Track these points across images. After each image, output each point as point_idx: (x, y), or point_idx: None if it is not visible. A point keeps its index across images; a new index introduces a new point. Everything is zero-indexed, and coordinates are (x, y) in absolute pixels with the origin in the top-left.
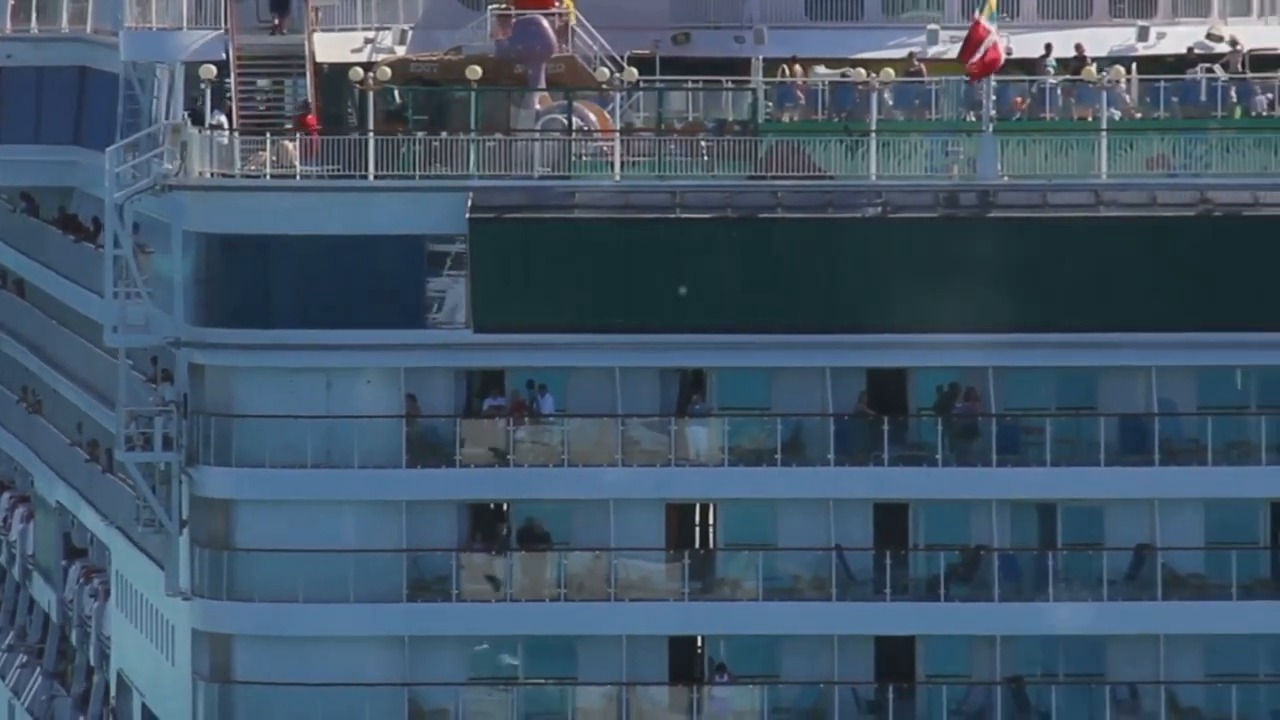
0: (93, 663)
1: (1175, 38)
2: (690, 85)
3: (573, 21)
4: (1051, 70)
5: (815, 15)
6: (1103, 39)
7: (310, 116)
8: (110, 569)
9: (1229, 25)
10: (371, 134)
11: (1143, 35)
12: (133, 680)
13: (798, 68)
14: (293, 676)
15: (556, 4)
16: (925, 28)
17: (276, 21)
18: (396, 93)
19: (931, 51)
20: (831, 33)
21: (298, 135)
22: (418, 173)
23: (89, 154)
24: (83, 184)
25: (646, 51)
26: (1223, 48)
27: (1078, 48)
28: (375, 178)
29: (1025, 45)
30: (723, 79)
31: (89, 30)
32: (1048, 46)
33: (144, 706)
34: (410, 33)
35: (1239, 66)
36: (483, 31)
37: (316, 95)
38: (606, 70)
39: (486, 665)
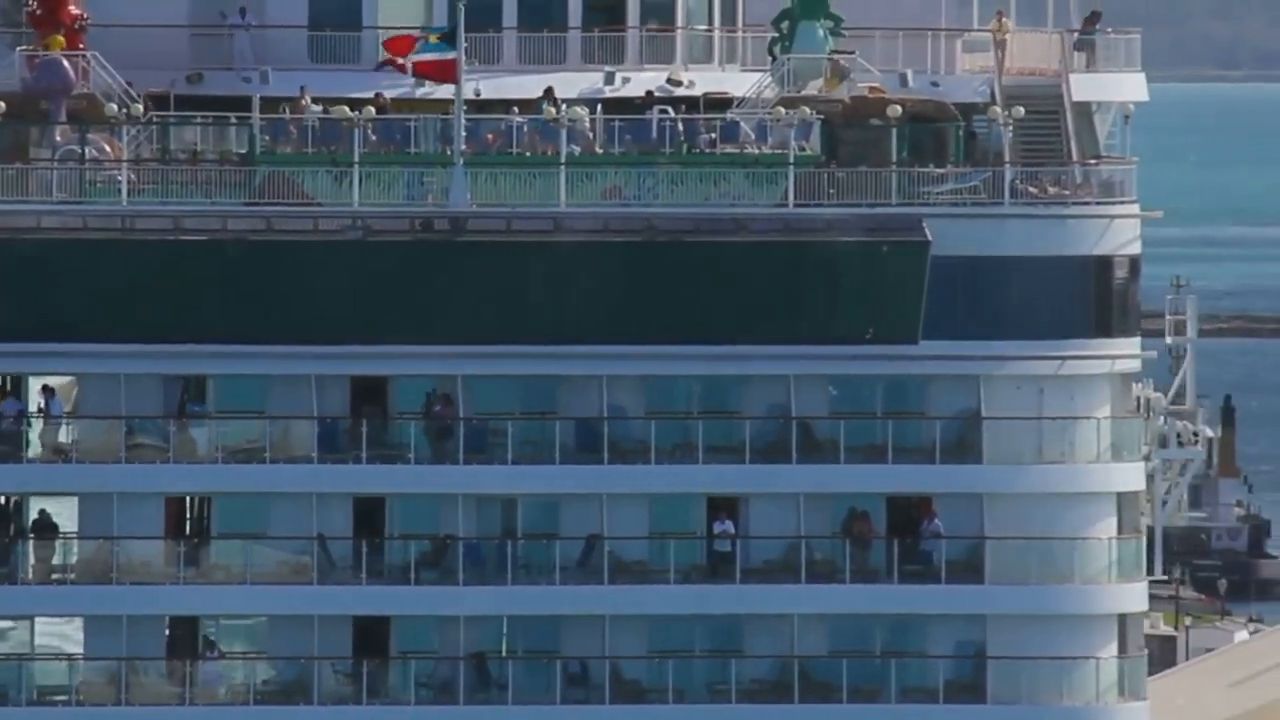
0: None
1: (639, 82)
2: (199, 120)
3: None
4: (543, 111)
5: (317, 58)
6: (574, 82)
7: None
8: None
9: (689, 71)
10: None
11: (609, 79)
12: None
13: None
14: None
15: (82, 46)
16: None
17: None
18: None
19: (419, 93)
20: (330, 74)
21: None
22: None
23: None
24: None
25: (163, 90)
26: (682, 91)
27: (548, 90)
28: None
29: (506, 88)
30: (229, 115)
31: None
32: (548, 90)
33: None
34: None
35: (685, 109)
36: (12, 71)
37: None
38: (114, 106)
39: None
